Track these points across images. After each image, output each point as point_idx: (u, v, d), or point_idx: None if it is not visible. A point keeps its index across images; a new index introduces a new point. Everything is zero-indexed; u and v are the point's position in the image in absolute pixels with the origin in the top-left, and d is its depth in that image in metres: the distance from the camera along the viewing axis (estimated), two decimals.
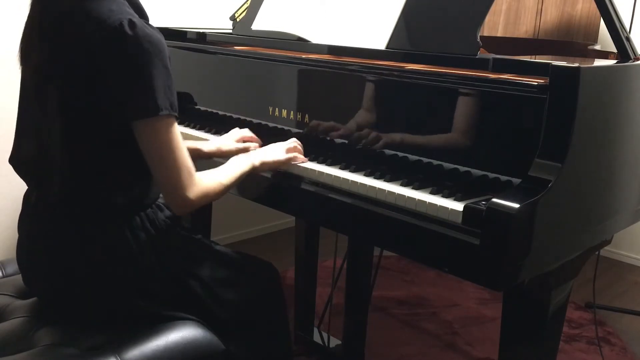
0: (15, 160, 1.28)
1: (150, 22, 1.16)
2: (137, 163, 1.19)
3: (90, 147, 1.17)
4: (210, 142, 1.54)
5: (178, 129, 1.17)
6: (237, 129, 1.58)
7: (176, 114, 1.15)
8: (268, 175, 1.45)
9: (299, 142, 1.44)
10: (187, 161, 1.18)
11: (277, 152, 1.41)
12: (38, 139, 1.22)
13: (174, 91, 1.14)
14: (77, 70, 1.12)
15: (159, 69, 1.11)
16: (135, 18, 1.11)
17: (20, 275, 1.32)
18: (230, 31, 1.90)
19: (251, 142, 1.54)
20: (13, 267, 1.41)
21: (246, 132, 1.55)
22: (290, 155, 1.41)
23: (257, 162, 1.37)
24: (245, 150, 1.49)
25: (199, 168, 1.24)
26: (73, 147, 1.17)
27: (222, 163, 1.36)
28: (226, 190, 1.28)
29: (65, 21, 1.13)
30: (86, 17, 1.11)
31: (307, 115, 1.51)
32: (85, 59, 1.11)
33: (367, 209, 1.24)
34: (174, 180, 1.16)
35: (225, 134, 1.56)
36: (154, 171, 1.17)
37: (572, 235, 1.21)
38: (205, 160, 1.50)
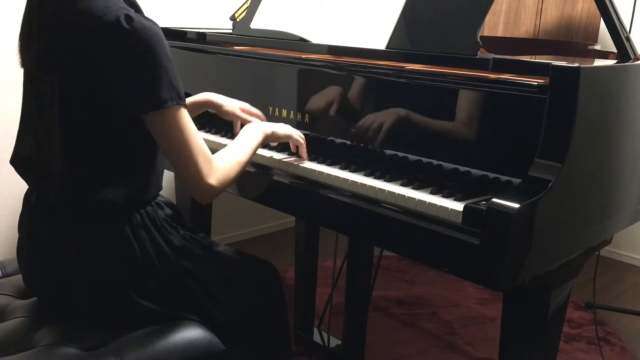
0: (16, 160, 1.28)
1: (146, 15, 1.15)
2: (135, 160, 1.19)
3: (89, 145, 1.17)
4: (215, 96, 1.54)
5: (189, 117, 1.17)
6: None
7: (184, 103, 1.15)
8: (269, 175, 1.45)
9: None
10: (203, 148, 1.18)
11: (287, 127, 1.42)
12: (37, 138, 1.22)
13: (178, 80, 1.14)
14: (76, 68, 1.12)
15: (160, 59, 1.10)
16: (132, 12, 1.10)
17: (20, 275, 1.32)
18: (230, 31, 1.90)
19: (256, 117, 1.53)
20: (13, 267, 1.41)
21: (250, 107, 1.54)
22: (300, 139, 1.42)
23: (268, 131, 1.38)
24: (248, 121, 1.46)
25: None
26: (71, 145, 1.17)
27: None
28: (245, 166, 1.29)
29: (61, 21, 1.13)
30: (82, 16, 1.10)
31: (307, 115, 1.51)
32: (83, 58, 1.10)
33: (367, 209, 1.24)
34: (194, 169, 1.16)
35: (230, 99, 1.54)
36: (172, 163, 1.18)
37: (572, 235, 1.21)
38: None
